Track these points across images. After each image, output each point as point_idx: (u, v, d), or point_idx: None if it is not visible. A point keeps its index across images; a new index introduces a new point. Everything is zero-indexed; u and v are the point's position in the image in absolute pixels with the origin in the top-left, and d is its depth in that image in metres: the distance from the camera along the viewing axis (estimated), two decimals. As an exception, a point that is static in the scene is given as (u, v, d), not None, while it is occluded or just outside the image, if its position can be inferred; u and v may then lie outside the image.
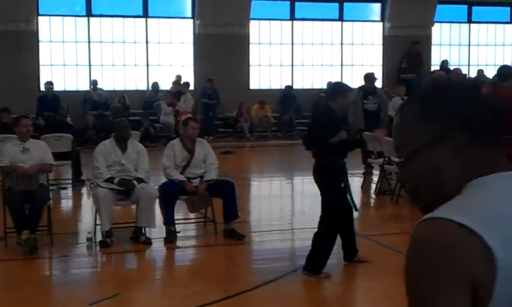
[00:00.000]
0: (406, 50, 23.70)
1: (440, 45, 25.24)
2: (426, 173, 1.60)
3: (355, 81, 24.46)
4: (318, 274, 6.54)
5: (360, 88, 13.73)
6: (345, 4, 24.09)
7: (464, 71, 21.73)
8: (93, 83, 21.06)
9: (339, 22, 24.23)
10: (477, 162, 1.55)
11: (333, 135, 6.54)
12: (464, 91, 1.65)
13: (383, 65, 24.55)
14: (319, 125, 6.93)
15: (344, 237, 7.00)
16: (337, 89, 7.10)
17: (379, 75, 24.53)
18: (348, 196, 6.82)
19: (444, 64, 20.74)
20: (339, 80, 24.20)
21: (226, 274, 6.84)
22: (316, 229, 6.67)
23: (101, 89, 21.04)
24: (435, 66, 22.76)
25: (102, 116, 19.17)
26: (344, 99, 6.85)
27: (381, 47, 24.62)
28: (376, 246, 8.38)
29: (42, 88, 20.22)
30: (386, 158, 11.39)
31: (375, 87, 13.81)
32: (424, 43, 24.05)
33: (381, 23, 24.56)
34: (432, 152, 1.58)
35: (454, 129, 1.56)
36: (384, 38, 24.48)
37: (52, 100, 18.05)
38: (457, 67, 13.75)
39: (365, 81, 13.77)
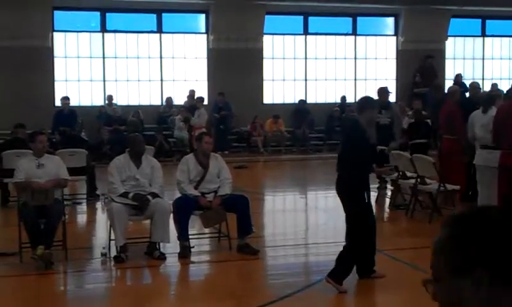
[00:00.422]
0: (419, 64, 23.65)
1: (453, 59, 25.19)
2: (449, 302, 1.58)
3: (369, 95, 24.44)
4: (340, 284, 6.60)
5: None
6: (359, 19, 24.12)
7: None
8: (108, 98, 21.19)
9: (353, 36, 24.25)
10: (499, 303, 1.49)
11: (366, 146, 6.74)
12: (495, 223, 1.55)
13: (397, 79, 24.51)
14: (356, 137, 6.91)
15: (364, 251, 7.02)
16: (365, 102, 7.16)
17: (392, 89, 24.49)
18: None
19: (458, 78, 20.64)
20: (353, 94, 24.23)
21: (240, 289, 6.83)
22: (343, 243, 6.86)
23: (115, 104, 21.15)
24: (449, 80, 22.68)
25: (117, 131, 19.24)
26: (371, 112, 6.94)
27: (394, 61, 24.59)
28: (390, 261, 8.34)
29: (57, 103, 20.34)
30: (401, 173, 11.35)
31: (388, 102, 13.71)
32: (437, 57, 24.00)
33: (394, 38, 24.55)
34: (455, 283, 1.54)
35: (477, 264, 1.51)
36: (398, 52, 24.46)
37: (68, 115, 18.13)
38: (474, 81, 13.66)
39: (378, 95, 13.68)
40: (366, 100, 7.33)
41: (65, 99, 19.29)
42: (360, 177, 6.77)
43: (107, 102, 21.15)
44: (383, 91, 13.72)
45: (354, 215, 6.81)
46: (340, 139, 7.03)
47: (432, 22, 23.64)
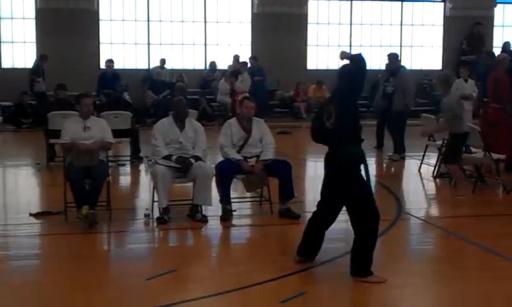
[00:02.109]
0: (467, 32, 23.22)
1: (502, 27, 24.65)
2: None
3: (414, 62, 24.17)
4: (370, 274, 6.10)
5: (386, 69, 13.67)
6: (406, -16, 23.74)
7: (528, 53, 21.17)
8: (161, 62, 21.27)
9: (399, 2, 23.90)
10: None
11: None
12: None
13: (444, 46, 24.13)
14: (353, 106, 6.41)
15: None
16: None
17: (439, 56, 24.17)
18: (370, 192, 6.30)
19: (506, 46, 20.20)
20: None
21: (281, 254, 6.86)
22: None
23: (165, 69, 21.27)
24: (497, 48, 22.21)
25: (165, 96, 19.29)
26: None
27: (441, 27, 24.18)
28: (434, 229, 8.29)
29: (102, 66, 20.52)
30: (445, 141, 11.21)
31: (400, 67, 13.55)
32: (486, 24, 23.54)
33: (442, 4, 24.12)
34: None
35: None
36: (445, 18, 24.04)
37: (111, 78, 18.28)
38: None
39: (388, 61, 13.59)
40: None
41: (109, 61, 19.44)
42: (360, 150, 6.26)
43: (160, 64, 21.24)
44: (392, 57, 13.53)
45: (362, 195, 6.17)
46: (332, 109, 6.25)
47: (481, -13, 23.14)
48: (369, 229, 6.16)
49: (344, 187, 6.23)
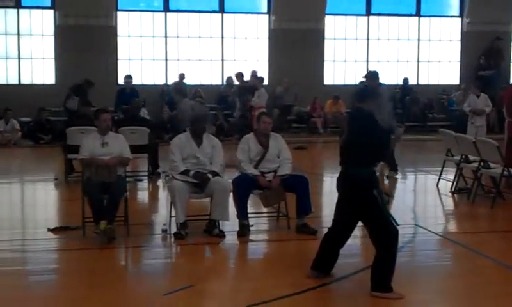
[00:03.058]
0: (486, 46, 23.14)
1: (520, 41, 24.55)
2: None
3: (431, 77, 24.13)
4: (390, 290, 6.06)
5: None
6: (423, -1, 23.74)
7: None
8: (181, 76, 21.35)
9: (416, 17, 23.90)
10: None
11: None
12: None
13: (461, 61, 24.06)
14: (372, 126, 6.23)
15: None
16: (364, 91, 6.65)
17: (456, 71, 24.11)
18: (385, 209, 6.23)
19: (525, 61, 20.18)
20: (415, 76, 23.88)
21: (298, 269, 6.83)
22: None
23: (185, 84, 21.34)
24: (515, 63, 22.15)
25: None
26: (373, 102, 6.40)
27: (459, 42, 24.12)
28: (452, 245, 8.24)
29: (120, 82, 20.64)
30: (464, 157, 11.16)
31: (378, 86, 12.30)
32: (504, 39, 23.44)
33: (459, 19, 24.07)
34: None
35: None
36: (463, 33, 23.98)
37: (130, 94, 18.34)
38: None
39: (367, 80, 12.89)
40: (366, 89, 6.78)
41: (128, 77, 19.53)
42: (373, 171, 6.22)
43: (179, 79, 21.33)
44: (371, 76, 12.91)
45: (379, 212, 6.11)
46: (349, 129, 6.12)
47: (498, 2, 23.08)
48: (388, 246, 6.13)
49: (356, 207, 6.22)
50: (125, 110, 16.43)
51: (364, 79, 12.98)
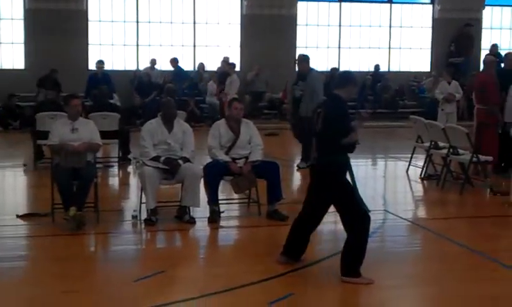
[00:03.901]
0: (456, 33, 23.31)
1: (490, 29, 24.77)
2: None
3: (403, 64, 24.26)
4: (359, 275, 6.11)
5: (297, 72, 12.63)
6: (395, -14, 23.83)
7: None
8: (152, 62, 21.24)
9: (388, 4, 23.98)
10: None
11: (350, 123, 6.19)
12: None
13: (432, 48, 24.22)
14: (339, 118, 6.20)
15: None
16: (348, 77, 6.48)
17: (427, 58, 24.27)
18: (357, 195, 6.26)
19: (494, 48, 20.29)
20: (387, 63, 23.99)
21: (269, 255, 6.85)
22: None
23: (156, 70, 21.23)
24: (485, 50, 22.31)
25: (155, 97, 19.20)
26: (353, 88, 6.38)
27: (430, 29, 24.27)
28: (421, 231, 8.32)
29: (90, 67, 20.44)
30: (433, 143, 11.26)
31: (310, 70, 12.36)
32: (474, 27, 23.63)
33: (430, 6, 24.21)
34: None
35: None
36: (434, 20, 24.13)
37: (102, 79, 18.16)
38: (510, 51, 13.31)
39: (298, 64, 12.57)
40: (349, 74, 6.60)
41: (100, 63, 19.27)
42: (342, 160, 6.22)
43: (150, 65, 21.23)
44: (302, 60, 12.53)
45: (351, 198, 6.17)
46: (317, 117, 6.13)
47: (469, -10, 23.24)
48: (359, 231, 6.17)
49: (329, 192, 6.24)
50: (94, 95, 16.27)
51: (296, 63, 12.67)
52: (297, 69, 12.72)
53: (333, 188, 6.22)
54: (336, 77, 6.49)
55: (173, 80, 19.81)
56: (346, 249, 6.20)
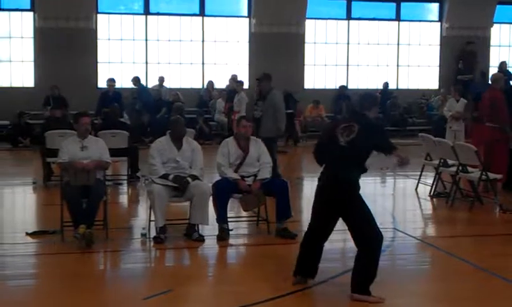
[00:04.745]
0: (459, 51, 23.32)
1: (499, 46, 24.78)
2: None
3: (411, 82, 24.27)
4: (369, 294, 6.09)
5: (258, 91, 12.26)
6: (403, 4, 23.89)
7: (524, 73, 21.27)
8: (160, 80, 21.33)
9: (396, 22, 24.03)
10: None
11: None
12: None
13: (440, 66, 24.23)
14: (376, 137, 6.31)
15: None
16: (374, 98, 6.61)
17: (435, 75, 24.28)
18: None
19: (502, 65, 20.30)
20: (395, 80, 24.02)
21: (278, 273, 6.84)
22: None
23: (165, 87, 21.31)
24: (494, 67, 22.32)
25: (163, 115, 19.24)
26: (377, 109, 6.48)
27: (438, 47, 24.28)
28: (430, 249, 8.28)
29: (100, 85, 20.54)
30: (442, 161, 11.24)
31: (270, 90, 11.94)
32: (482, 44, 23.66)
33: (438, 24, 24.24)
34: None
35: None
36: (442, 38, 24.15)
37: (113, 97, 18.23)
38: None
39: (259, 83, 12.22)
40: (374, 96, 6.75)
41: (111, 81, 19.38)
42: (357, 178, 6.25)
43: (158, 83, 21.31)
44: (264, 78, 12.09)
45: (365, 215, 6.20)
46: (347, 132, 6.14)
47: (477, 8, 23.28)
48: (373, 249, 6.14)
49: (347, 208, 6.20)
50: (105, 114, 16.34)
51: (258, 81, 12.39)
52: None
53: (355, 203, 6.19)
54: (361, 99, 6.47)
55: (138, 98, 19.81)
56: (358, 266, 6.17)
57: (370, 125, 6.25)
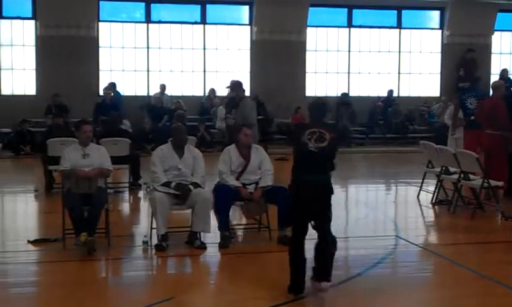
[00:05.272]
0: (460, 59, 23.34)
1: (500, 54, 24.80)
2: None
3: (412, 89, 24.29)
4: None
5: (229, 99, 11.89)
6: (404, 12, 23.92)
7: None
8: (162, 87, 21.37)
9: (397, 30, 24.05)
10: None
11: None
12: None
13: (441, 73, 24.25)
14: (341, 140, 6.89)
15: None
16: (324, 106, 7.08)
17: (436, 83, 24.29)
18: None
19: (504, 73, 20.32)
20: (396, 88, 24.04)
21: (280, 280, 6.83)
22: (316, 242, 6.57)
23: (166, 95, 21.35)
24: (495, 75, 22.33)
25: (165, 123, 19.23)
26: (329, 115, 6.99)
27: (439, 55, 24.31)
28: (432, 256, 8.27)
29: (101, 93, 20.57)
30: (444, 168, 11.24)
31: (242, 98, 11.73)
32: (483, 52, 23.68)
33: (439, 31, 24.27)
34: None
35: None
36: (443, 45, 24.18)
37: (110, 105, 18.23)
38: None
39: (232, 90, 11.93)
40: (324, 105, 7.12)
41: (107, 89, 19.39)
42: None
43: (160, 90, 21.34)
44: (236, 86, 11.83)
45: (329, 217, 6.63)
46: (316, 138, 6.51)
47: (478, 15, 23.31)
48: (335, 239, 6.56)
49: (321, 209, 6.54)
50: (104, 122, 16.34)
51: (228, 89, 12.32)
52: (227, 94, 12.24)
53: (325, 203, 6.55)
54: (318, 109, 6.81)
55: (111, 105, 19.78)
56: (328, 256, 6.48)
57: (339, 135, 6.60)
